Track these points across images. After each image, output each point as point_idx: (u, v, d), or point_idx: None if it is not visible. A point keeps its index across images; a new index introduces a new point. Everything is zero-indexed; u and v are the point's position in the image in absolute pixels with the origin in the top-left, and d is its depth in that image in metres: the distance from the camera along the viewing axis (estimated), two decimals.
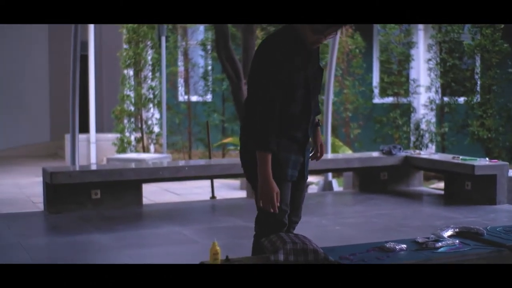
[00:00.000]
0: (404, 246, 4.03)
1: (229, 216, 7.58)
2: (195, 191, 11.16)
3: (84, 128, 14.93)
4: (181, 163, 8.47)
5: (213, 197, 8.97)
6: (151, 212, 7.92)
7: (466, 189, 8.37)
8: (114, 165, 8.58)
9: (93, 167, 8.27)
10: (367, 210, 7.87)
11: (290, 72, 3.87)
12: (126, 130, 14.77)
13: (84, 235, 6.61)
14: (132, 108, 15.01)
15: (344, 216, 7.49)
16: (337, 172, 10.18)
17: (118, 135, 14.78)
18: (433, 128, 13.51)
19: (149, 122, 15.19)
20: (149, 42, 14.99)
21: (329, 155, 9.39)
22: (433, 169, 9.08)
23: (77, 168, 7.88)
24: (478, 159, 8.45)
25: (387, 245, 4.03)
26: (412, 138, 13.75)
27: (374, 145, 13.53)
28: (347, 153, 11.05)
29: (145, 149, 14.91)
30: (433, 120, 13.65)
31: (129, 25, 14.53)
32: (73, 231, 6.76)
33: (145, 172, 7.88)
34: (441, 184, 11.62)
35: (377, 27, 15.26)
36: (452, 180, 8.62)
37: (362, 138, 13.90)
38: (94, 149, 14.86)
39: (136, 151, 14.81)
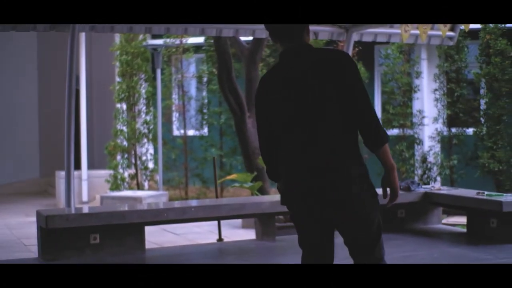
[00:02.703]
0: None
1: (240, 261, 6.95)
2: (195, 230, 10.58)
3: (75, 165, 14.32)
4: (187, 203, 7.87)
5: (220, 239, 8.37)
6: (155, 257, 7.29)
7: (491, 226, 7.81)
8: (115, 207, 7.97)
9: (92, 210, 7.65)
10: (390, 252, 7.16)
11: None
12: (119, 167, 14.18)
13: None
14: (126, 144, 14.43)
15: None
16: None
17: (111, 172, 14.17)
18: (440, 161, 12.99)
19: (144, 158, 14.61)
20: (142, 75, 14.45)
21: None
22: (455, 206, 8.53)
23: (73, 211, 7.27)
24: (504, 194, 7.92)
25: None
26: (418, 172, 13.21)
27: (379, 179, 12.96)
28: None
29: (139, 186, 14.30)
30: (440, 152, 13.15)
31: (123, 57, 14.00)
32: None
33: (149, 214, 7.27)
34: (452, 219, 11.10)
35: (378, 58, 14.82)
36: (475, 217, 8.07)
37: None
38: (86, 186, 14.31)
39: (130, 188, 14.21)
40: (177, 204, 8.01)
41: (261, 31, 8.74)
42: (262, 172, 10.38)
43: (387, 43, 12.70)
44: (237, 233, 10.35)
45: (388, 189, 4.14)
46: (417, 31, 8.37)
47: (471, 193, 8.17)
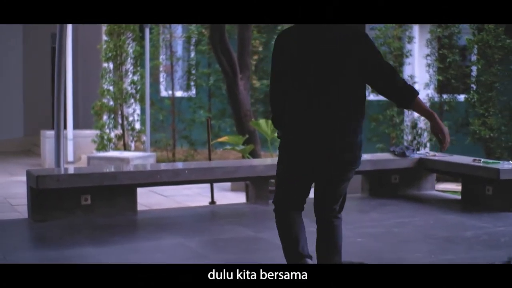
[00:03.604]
0: None
1: (235, 225, 6.85)
2: (184, 192, 10.46)
3: None
4: (181, 165, 7.71)
5: (212, 202, 8.25)
6: (148, 220, 7.17)
7: (486, 194, 7.75)
8: (106, 167, 7.81)
9: (83, 171, 7.49)
10: (385, 218, 7.19)
11: None
12: (106, 127, 13.95)
13: (76, 249, 5.84)
14: (112, 104, 14.18)
15: (362, 225, 6.78)
16: None
17: (96, 132, 13.95)
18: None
19: (130, 118, 14.38)
20: (130, 34, 14.16)
21: None
22: (450, 172, 8.45)
23: (62, 171, 7.12)
24: (501, 162, 7.84)
25: None
26: (406, 137, 13.12)
27: (370, 144, 12.89)
28: None
29: (126, 147, 14.11)
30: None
31: None
32: (64, 244, 6.00)
33: (142, 175, 7.13)
34: (442, 186, 11.04)
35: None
36: (471, 184, 8.00)
37: None
38: (72, 146, 14.11)
39: (117, 149, 14.01)
40: (170, 166, 7.86)
41: None
42: (254, 135, 10.24)
43: None
44: (227, 196, 10.24)
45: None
46: None
47: (467, 160, 8.09)
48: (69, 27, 13.83)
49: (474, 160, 7.91)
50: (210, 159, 8.31)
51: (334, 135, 4.19)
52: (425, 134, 12.84)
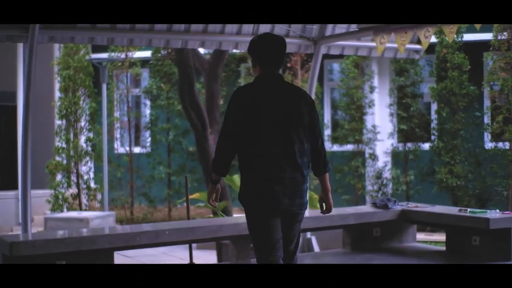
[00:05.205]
0: None
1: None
2: (147, 252, 10.04)
3: (11, 185, 13.64)
4: (161, 226, 7.31)
5: (191, 263, 7.87)
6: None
7: (473, 244, 7.54)
8: (83, 232, 7.36)
9: (59, 235, 7.01)
10: None
11: None
12: (61, 186, 13.45)
13: None
14: (65, 162, 13.70)
15: None
16: (328, 229, 9.10)
17: (48, 191, 13.44)
18: (395, 176, 12.75)
19: (86, 176, 13.89)
20: (83, 90, 13.69)
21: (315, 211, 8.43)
22: (435, 224, 8.24)
23: (30, 237, 6.64)
24: (487, 211, 7.67)
25: None
26: (369, 187, 12.95)
27: (335, 196, 12.65)
28: None
29: (81, 206, 13.59)
30: (394, 167, 12.93)
31: (65, 72, 13.31)
32: None
33: (121, 238, 6.72)
34: (422, 237, 10.80)
35: (327, 74, 14.62)
36: (456, 235, 7.80)
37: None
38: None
39: (72, 208, 13.50)
40: (149, 227, 7.45)
41: (228, 43, 8.30)
42: (225, 191, 9.90)
43: (339, 57, 12.47)
44: (194, 254, 9.84)
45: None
46: (394, 45, 8.06)
47: (452, 210, 7.91)
48: (20, 83, 13.47)
49: (460, 210, 7.72)
50: (188, 218, 7.94)
51: (296, 181, 4.73)
52: (390, 184, 12.69)
